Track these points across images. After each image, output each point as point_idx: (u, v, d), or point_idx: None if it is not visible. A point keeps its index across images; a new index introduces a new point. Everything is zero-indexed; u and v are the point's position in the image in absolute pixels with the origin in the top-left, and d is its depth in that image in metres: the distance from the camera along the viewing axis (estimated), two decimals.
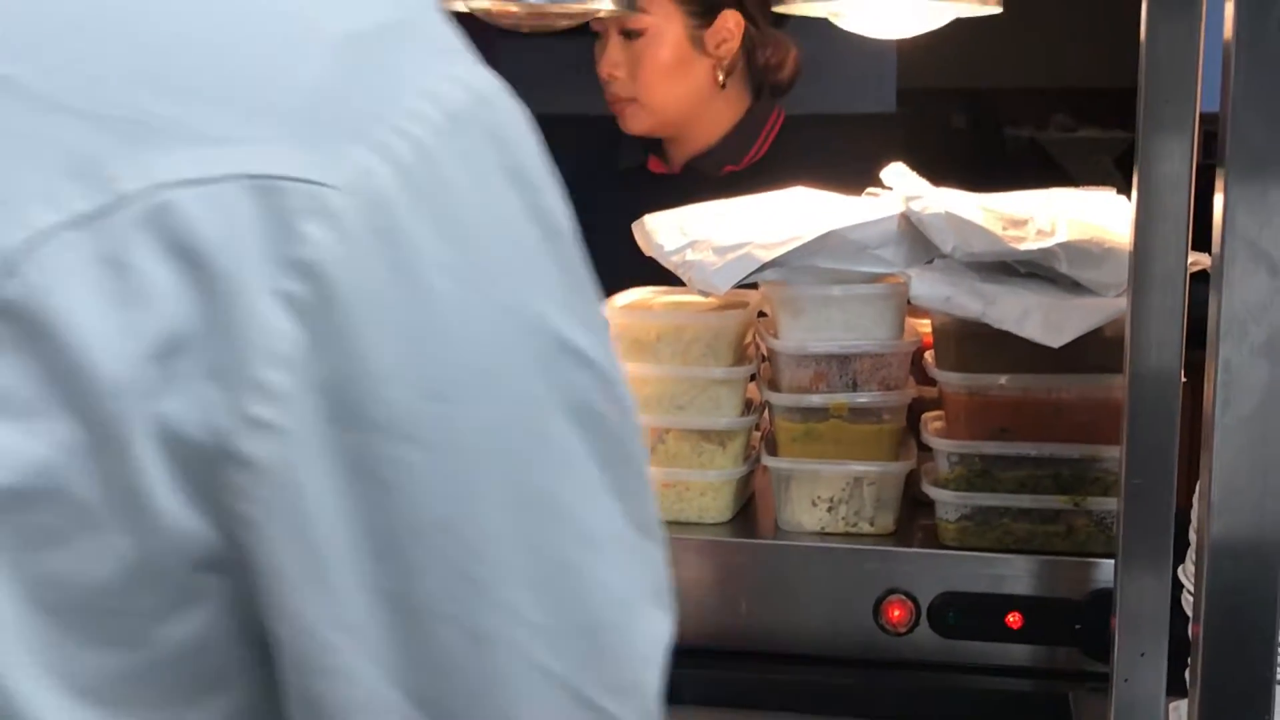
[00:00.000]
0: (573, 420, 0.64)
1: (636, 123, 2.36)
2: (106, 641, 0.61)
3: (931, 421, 1.67)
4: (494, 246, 0.62)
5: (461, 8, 1.75)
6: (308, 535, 0.60)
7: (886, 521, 1.65)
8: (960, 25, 1.65)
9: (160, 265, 0.58)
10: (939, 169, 1.79)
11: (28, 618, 0.59)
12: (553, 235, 0.64)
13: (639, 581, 0.68)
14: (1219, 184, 0.95)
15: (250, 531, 0.60)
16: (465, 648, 0.62)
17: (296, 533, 0.60)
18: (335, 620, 0.61)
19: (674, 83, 2.32)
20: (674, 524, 1.66)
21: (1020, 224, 1.58)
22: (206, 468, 0.59)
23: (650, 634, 0.68)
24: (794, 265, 1.60)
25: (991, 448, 1.60)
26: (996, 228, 1.56)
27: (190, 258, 0.58)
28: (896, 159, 1.76)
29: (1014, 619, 1.58)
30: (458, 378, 0.61)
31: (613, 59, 2.31)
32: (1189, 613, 1.24)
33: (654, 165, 2.46)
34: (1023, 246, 1.54)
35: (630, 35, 2.29)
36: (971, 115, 5.31)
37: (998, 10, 1.63)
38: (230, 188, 0.58)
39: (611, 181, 2.42)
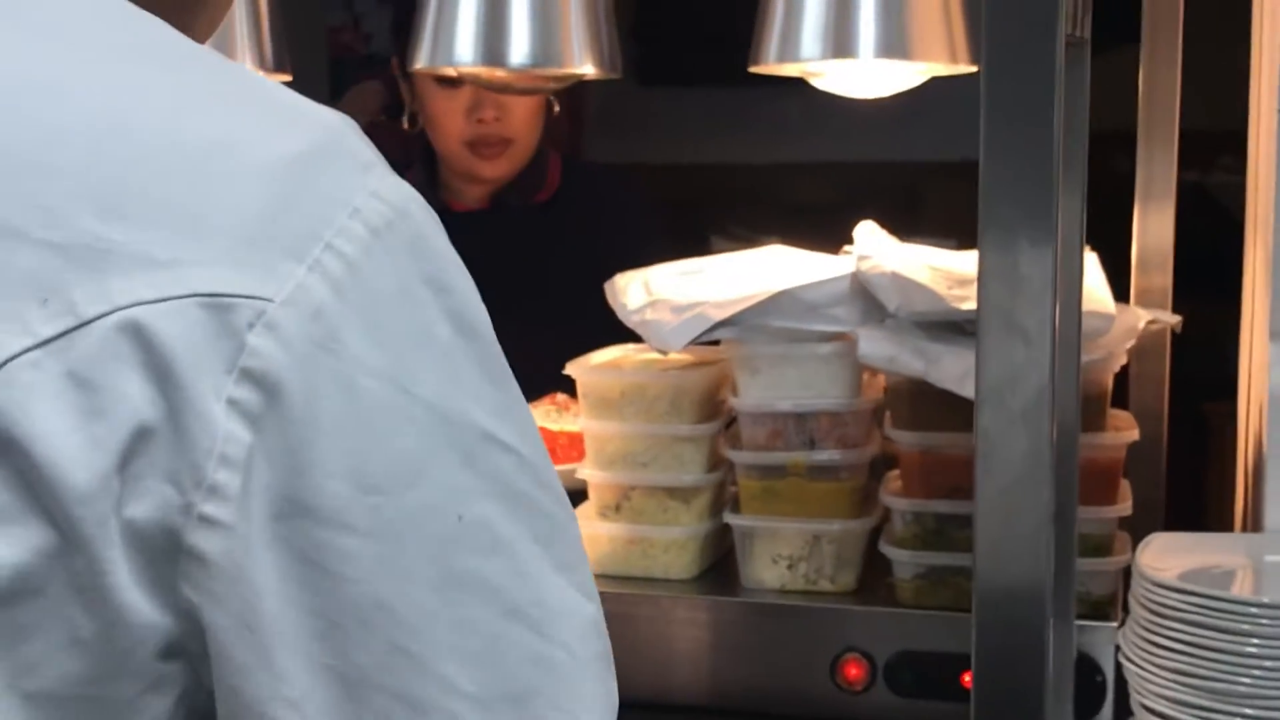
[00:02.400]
0: (498, 503, 0.69)
1: (504, 165, 2.50)
2: None
3: (893, 480, 1.67)
4: (417, 350, 0.68)
5: (451, 73, 1.82)
6: (254, 621, 0.66)
7: (848, 579, 1.66)
8: None
9: (122, 379, 0.64)
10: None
11: (7, 705, 0.65)
12: (469, 335, 0.70)
13: (581, 648, 0.71)
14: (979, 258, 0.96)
15: (203, 621, 0.66)
16: (402, 715, 0.68)
17: (244, 619, 0.66)
18: (280, 697, 0.67)
19: (539, 121, 2.50)
20: (638, 580, 1.69)
21: (966, 283, 1.57)
22: (165, 564, 0.65)
23: (591, 699, 0.72)
24: (748, 325, 1.62)
25: (944, 506, 1.60)
26: (941, 287, 1.57)
27: (150, 370, 0.64)
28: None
29: (969, 678, 1.57)
30: (389, 470, 0.66)
31: (497, 102, 2.42)
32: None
33: (457, 206, 2.58)
34: (965, 305, 1.53)
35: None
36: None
37: (972, 70, 1.63)
38: (183, 305, 0.64)
39: None
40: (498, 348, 0.72)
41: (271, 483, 0.64)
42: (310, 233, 0.66)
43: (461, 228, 2.82)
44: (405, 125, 2.55)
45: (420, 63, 1.73)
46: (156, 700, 0.67)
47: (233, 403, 0.64)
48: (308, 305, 0.65)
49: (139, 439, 0.63)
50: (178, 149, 0.67)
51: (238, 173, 0.67)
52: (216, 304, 0.64)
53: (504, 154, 2.50)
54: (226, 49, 1.80)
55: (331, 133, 0.70)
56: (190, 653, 0.67)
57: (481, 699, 0.68)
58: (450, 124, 2.49)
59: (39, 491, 0.63)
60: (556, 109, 2.56)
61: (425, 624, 0.67)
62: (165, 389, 0.63)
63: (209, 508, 0.64)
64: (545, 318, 1.94)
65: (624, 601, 1.66)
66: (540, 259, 2.49)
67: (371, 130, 0.73)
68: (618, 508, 1.70)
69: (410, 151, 2.75)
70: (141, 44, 0.71)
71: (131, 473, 0.63)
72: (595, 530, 1.70)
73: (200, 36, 0.81)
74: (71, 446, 0.63)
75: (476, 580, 0.68)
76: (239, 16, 1.86)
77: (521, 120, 2.50)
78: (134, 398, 0.63)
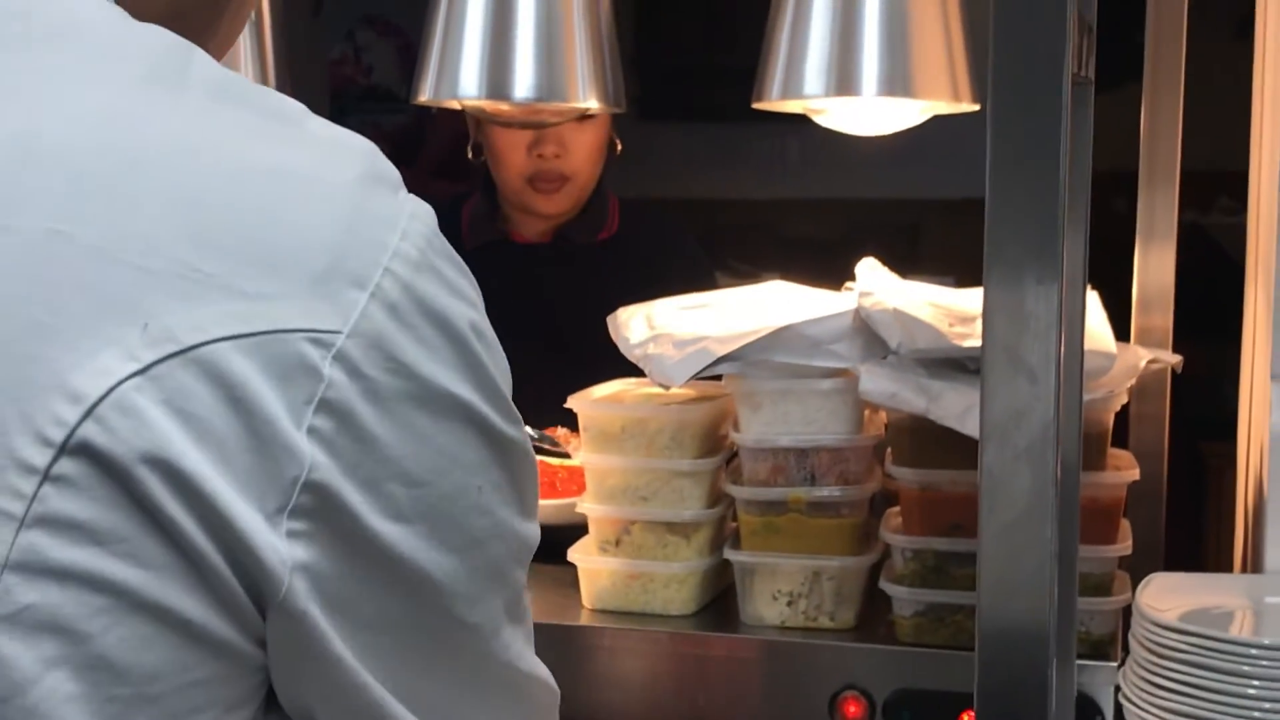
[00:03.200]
0: (500, 466, 0.77)
1: (562, 200, 2.51)
2: None
3: (893, 516, 1.67)
4: (454, 356, 0.74)
5: (455, 106, 1.83)
6: (327, 609, 0.71)
7: (847, 616, 1.65)
8: None
9: (212, 412, 0.68)
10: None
11: (140, 712, 0.68)
12: (484, 332, 0.76)
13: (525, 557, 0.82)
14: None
15: (291, 624, 0.71)
16: (434, 650, 0.77)
17: (319, 610, 0.71)
18: (340, 656, 0.73)
19: (599, 159, 2.51)
20: (637, 615, 1.69)
21: (968, 320, 1.58)
22: (265, 576, 0.69)
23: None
24: (750, 360, 1.62)
25: (945, 544, 1.59)
26: (943, 324, 1.57)
27: (238, 404, 0.68)
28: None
29: (968, 718, 1.57)
30: (432, 465, 0.73)
31: (559, 138, 2.43)
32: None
33: (518, 237, 2.59)
34: (966, 343, 1.54)
35: (583, 116, 2.41)
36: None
37: (975, 108, 1.64)
38: (268, 340, 0.68)
39: (479, 260, 2.48)
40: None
41: (342, 494, 0.70)
42: (371, 259, 0.71)
43: (522, 259, 2.76)
44: (469, 155, 2.56)
45: (424, 96, 1.73)
46: (258, 708, 0.73)
47: (312, 430, 0.69)
48: (370, 333, 0.70)
49: (230, 469, 0.67)
50: (245, 178, 0.70)
51: (307, 202, 0.71)
52: (298, 339, 0.68)
53: (562, 190, 2.52)
54: None
55: (370, 158, 0.75)
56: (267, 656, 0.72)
57: (494, 622, 0.78)
58: (512, 158, 2.50)
59: (150, 512, 0.67)
60: (619, 148, 2.56)
61: (451, 583, 0.75)
62: (252, 424, 0.68)
63: (297, 524, 0.69)
64: (589, 352, 1.92)
65: (623, 637, 1.65)
66: (598, 295, 2.49)
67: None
68: (617, 542, 1.70)
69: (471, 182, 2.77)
70: (186, 72, 0.75)
71: (231, 499, 0.67)
72: (595, 565, 1.70)
73: (215, 56, 0.84)
74: (176, 472, 0.66)
75: (488, 531, 0.77)
76: (243, 49, 1.87)
77: (582, 158, 2.51)
78: (222, 431, 0.67)
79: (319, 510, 0.70)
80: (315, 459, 0.69)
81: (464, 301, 0.75)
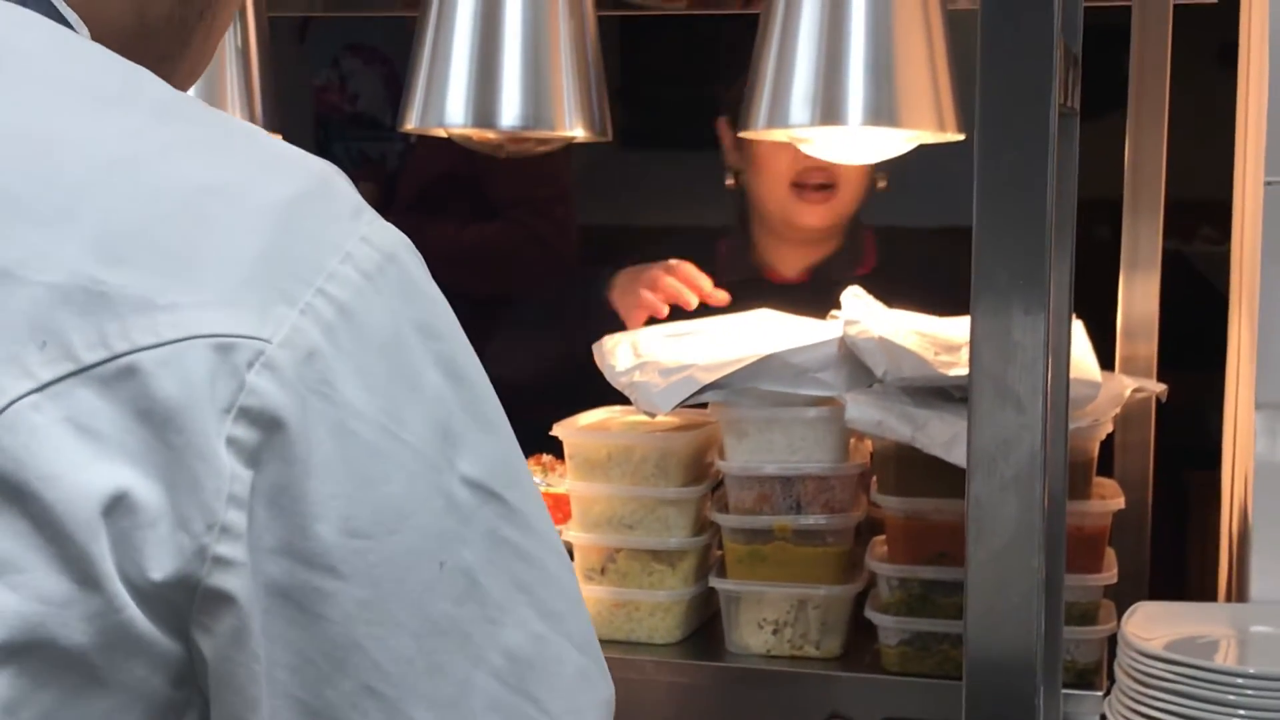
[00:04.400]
0: (480, 549, 0.70)
1: (825, 213, 2.35)
2: None
3: (878, 545, 1.67)
4: (406, 395, 0.69)
5: (441, 134, 1.83)
6: (237, 651, 0.67)
7: (833, 645, 1.65)
8: None
9: (120, 426, 0.64)
10: None
11: None
12: (458, 380, 0.71)
13: (556, 701, 0.73)
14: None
15: (210, 649, 0.67)
16: None
17: (230, 650, 0.66)
18: None
19: (862, 183, 2.33)
20: (623, 644, 1.68)
21: (953, 349, 1.58)
22: (181, 602, 0.66)
23: None
24: (736, 388, 1.62)
25: (930, 572, 1.59)
26: (929, 353, 1.57)
27: (149, 417, 0.64)
28: None
29: None
30: (374, 516, 0.67)
31: None
32: None
33: (773, 276, 2.43)
34: (952, 372, 1.54)
35: None
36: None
37: (959, 138, 1.64)
38: (182, 348, 0.65)
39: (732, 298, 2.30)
40: (490, 393, 0.73)
41: (268, 521, 0.65)
42: (302, 277, 0.67)
43: (777, 299, 2.52)
44: (730, 182, 2.43)
45: (411, 123, 1.73)
46: None
47: (232, 441, 0.64)
48: (303, 347, 0.66)
49: (142, 486, 0.64)
50: (170, 193, 0.67)
51: (230, 217, 0.67)
52: (218, 344, 0.65)
53: (827, 202, 2.33)
54: (218, 107, 1.81)
55: (321, 179, 0.71)
56: (200, 678, 0.68)
57: None
58: (777, 164, 2.33)
59: (50, 536, 0.63)
60: (880, 184, 2.38)
61: (399, 668, 0.68)
62: (167, 436, 0.64)
63: (224, 548, 0.65)
64: None
65: (608, 665, 1.64)
66: None
67: None
68: (603, 570, 1.70)
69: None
70: (130, 92, 0.72)
71: (140, 519, 0.64)
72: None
73: (182, 85, 0.82)
74: (76, 492, 0.63)
75: (452, 627, 0.69)
76: (230, 76, 1.87)
77: (844, 168, 2.29)
78: (132, 446, 0.64)
79: (249, 535, 0.65)
80: (235, 471, 0.64)
81: (429, 336, 0.70)
